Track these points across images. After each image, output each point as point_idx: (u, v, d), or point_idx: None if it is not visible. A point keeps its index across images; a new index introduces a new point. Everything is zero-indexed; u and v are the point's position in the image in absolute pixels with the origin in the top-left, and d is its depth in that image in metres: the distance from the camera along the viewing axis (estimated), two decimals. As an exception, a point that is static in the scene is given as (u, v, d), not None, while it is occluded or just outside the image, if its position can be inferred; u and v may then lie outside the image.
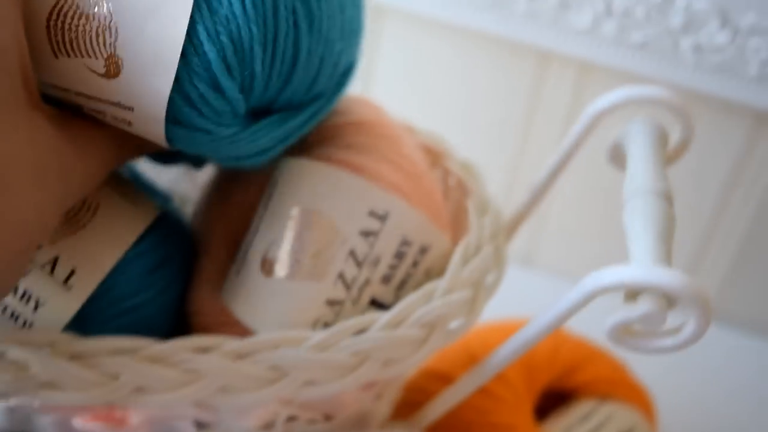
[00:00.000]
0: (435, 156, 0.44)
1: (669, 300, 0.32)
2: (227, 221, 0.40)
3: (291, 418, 0.39)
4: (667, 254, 0.33)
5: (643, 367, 0.54)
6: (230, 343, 0.34)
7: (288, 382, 0.34)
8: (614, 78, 0.61)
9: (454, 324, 0.37)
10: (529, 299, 0.52)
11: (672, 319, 0.33)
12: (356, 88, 0.71)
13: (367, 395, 0.40)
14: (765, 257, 0.65)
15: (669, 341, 0.33)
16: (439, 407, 0.44)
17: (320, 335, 0.34)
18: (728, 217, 0.64)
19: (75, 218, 0.37)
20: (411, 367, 0.36)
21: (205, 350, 0.34)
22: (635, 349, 0.34)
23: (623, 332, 0.33)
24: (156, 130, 0.32)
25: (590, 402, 0.50)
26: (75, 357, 0.33)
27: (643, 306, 0.31)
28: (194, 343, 0.34)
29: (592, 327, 0.41)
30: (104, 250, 0.37)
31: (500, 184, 0.69)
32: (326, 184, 0.36)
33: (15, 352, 0.33)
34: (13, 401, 0.36)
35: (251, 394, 0.34)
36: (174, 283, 0.39)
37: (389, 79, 0.69)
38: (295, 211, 0.36)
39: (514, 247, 0.72)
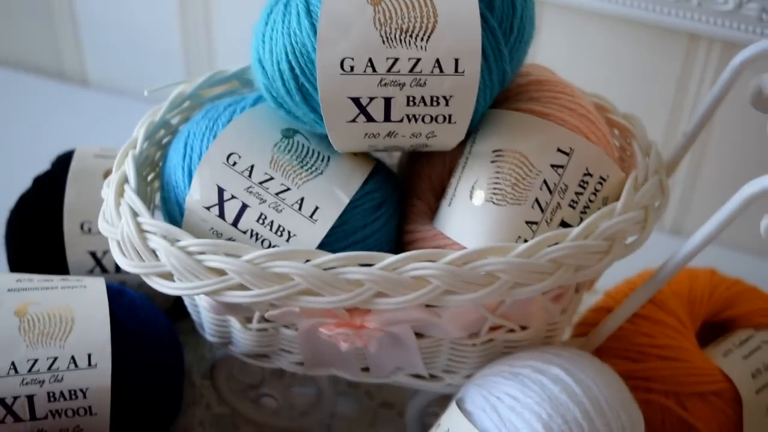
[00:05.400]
0: (599, 109, 0.51)
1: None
2: (432, 169, 0.48)
3: (493, 328, 0.47)
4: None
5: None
6: (452, 254, 0.42)
7: (499, 285, 0.42)
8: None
9: (629, 239, 0.44)
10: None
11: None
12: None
13: (555, 307, 0.47)
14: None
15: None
16: (607, 327, 0.51)
17: (524, 246, 0.42)
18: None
19: (313, 166, 0.46)
20: (596, 274, 0.43)
21: (431, 260, 0.42)
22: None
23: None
24: None
25: (747, 330, 0.55)
26: (327, 268, 0.42)
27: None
28: (422, 254, 0.42)
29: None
30: (340, 189, 0.45)
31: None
32: (521, 127, 0.45)
33: (280, 266, 0.42)
34: (278, 311, 0.45)
35: (470, 296, 0.42)
36: (392, 218, 0.47)
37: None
38: (497, 150, 0.44)
39: (663, 217, 0.78)
